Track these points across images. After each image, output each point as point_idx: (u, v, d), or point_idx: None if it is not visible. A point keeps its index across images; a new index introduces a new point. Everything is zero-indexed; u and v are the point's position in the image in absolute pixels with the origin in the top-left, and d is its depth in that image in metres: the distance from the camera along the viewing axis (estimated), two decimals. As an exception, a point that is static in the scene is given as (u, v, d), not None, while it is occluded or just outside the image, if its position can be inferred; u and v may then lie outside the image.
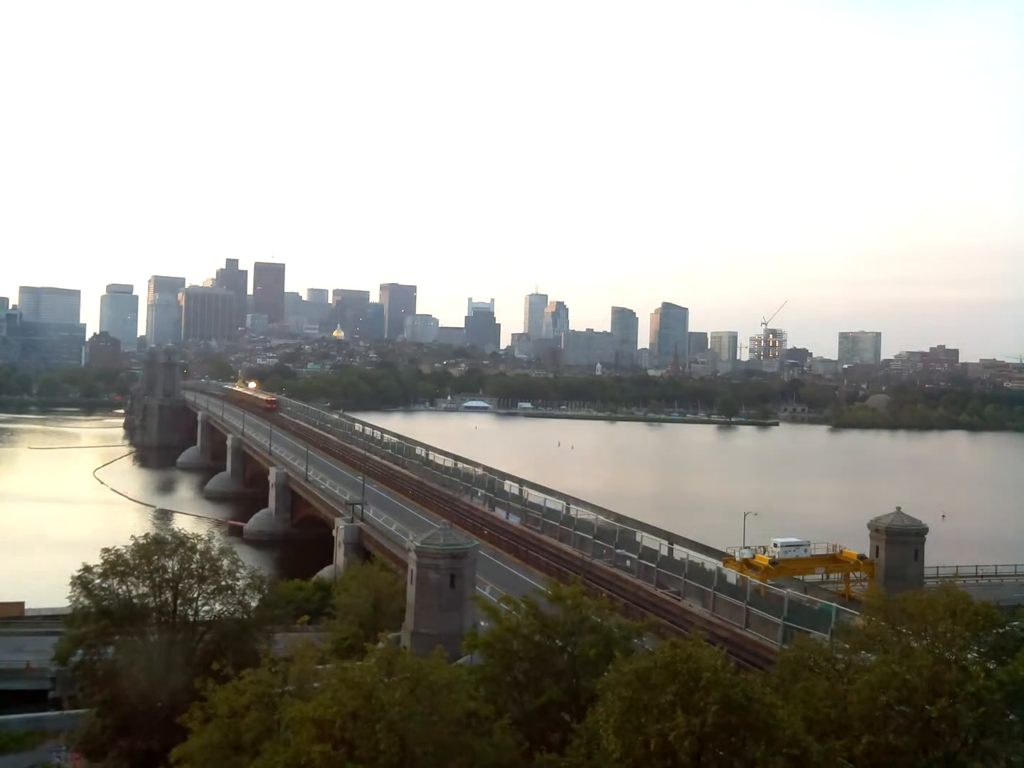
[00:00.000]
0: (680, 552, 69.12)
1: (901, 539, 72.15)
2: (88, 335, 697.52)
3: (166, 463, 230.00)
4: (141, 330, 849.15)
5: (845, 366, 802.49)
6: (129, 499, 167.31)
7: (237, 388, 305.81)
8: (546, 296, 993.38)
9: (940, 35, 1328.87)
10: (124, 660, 47.48)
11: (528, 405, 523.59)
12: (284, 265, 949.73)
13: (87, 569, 49.93)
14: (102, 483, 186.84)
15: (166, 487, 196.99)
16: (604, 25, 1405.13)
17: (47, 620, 75.61)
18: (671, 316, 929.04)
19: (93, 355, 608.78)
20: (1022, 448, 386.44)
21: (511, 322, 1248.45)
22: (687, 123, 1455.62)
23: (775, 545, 71.94)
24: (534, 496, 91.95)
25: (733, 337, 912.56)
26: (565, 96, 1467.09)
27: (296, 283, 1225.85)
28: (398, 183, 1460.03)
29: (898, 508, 74.44)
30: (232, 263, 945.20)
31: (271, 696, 33.82)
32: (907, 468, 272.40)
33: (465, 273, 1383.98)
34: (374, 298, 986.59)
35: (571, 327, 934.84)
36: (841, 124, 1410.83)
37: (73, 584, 49.80)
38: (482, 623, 50.87)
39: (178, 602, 49.50)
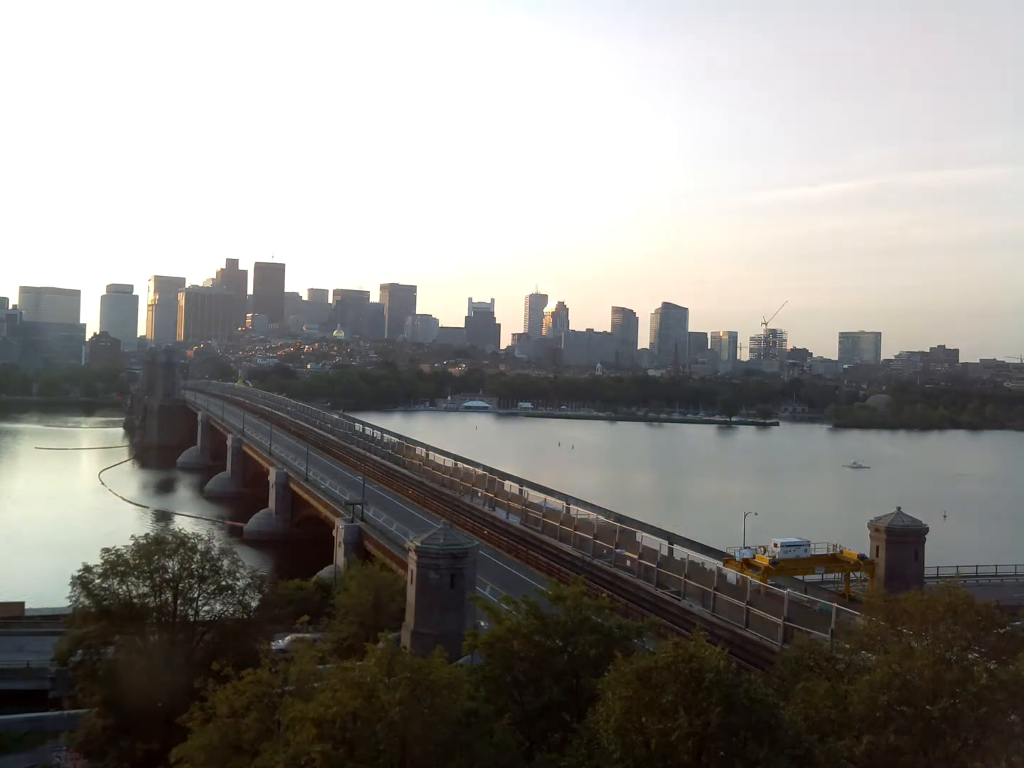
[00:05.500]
0: (680, 552, 68.97)
1: (901, 539, 71.99)
2: (88, 335, 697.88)
3: (166, 463, 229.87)
4: (141, 330, 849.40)
5: (845, 366, 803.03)
6: (129, 501, 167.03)
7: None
8: (546, 296, 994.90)
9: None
10: (124, 660, 47.45)
11: (528, 405, 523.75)
12: (284, 265, 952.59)
13: (87, 569, 49.87)
14: (102, 483, 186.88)
15: (166, 488, 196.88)
16: (604, 26, 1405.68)
17: (47, 620, 75.67)
18: (671, 316, 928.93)
19: (93, 355, 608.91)
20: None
21: (511, 322, 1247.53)
22: (688, 123, 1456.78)
23: (775, 545, 71.80)
24: (534, 496, 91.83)
25: (733, 337, 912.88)
26: (566, 96, 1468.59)
27: (296, 283, 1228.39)
28: (398, 183, 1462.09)
29: (898, 508, 74.29)
30: (232, 263, 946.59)
31: (271, 696, 33.78)
32: (910, 468, 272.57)
33: (465, 273, 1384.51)
34: (374, 298, 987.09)
35: (571, 327, 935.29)
36: (841, 124, 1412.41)
37: (73, 584, 49.77)
38: (482, 623, 50.82)
39: (178, 602, 49.44)
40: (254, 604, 53.14)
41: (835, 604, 51.02)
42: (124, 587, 49.28)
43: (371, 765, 28.00)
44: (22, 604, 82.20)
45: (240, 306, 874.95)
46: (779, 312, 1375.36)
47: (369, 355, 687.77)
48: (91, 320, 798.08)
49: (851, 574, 73.65)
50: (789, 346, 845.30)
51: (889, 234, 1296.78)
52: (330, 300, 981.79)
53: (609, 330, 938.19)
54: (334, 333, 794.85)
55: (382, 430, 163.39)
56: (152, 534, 54.65)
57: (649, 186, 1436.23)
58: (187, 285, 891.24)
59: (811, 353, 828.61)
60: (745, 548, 72.49)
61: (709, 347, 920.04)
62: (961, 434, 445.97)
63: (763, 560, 69.33)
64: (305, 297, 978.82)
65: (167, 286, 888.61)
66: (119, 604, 48.96)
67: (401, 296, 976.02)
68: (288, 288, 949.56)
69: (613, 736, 27.63)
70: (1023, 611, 59.59)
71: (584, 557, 72.50)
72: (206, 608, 50.36)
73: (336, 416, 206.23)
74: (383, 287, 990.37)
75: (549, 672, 38.00)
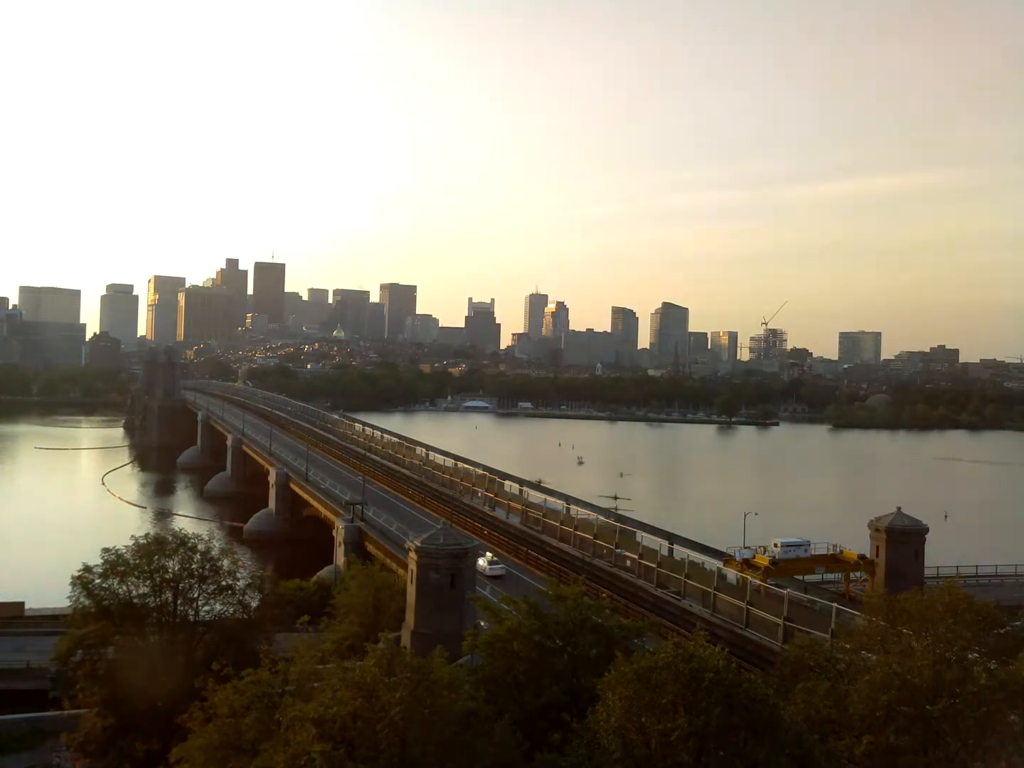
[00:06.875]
0: (680, 552, 68.94)
1: (901, 539, 71.89)
2: (88, 335, 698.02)
3: (166, 463, 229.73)
4: (141, 330, 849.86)
5: (845, 366, 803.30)
6: (128, 502, 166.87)
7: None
8: (546, 296, 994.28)
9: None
10: (124, 660, 47.43)
11: (528, 405, 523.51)
12: (284, 265, 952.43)
13: (87, 569, 49.84)
14: (102, 483, 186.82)
15: (166, 488, 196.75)
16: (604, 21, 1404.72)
17: (47, 620, 75.59)
18: (671, 316, 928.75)
19: (93, 355, 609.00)
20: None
21: (511, 322, 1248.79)
22: (685, 120, 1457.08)
23: (775, 545, 71.79)
24: (534, 496, 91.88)
25: (733, 337, 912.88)
26: (566, 94, 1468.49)
27: (296, 283, 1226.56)
28: (397, 183, 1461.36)
29: (898, 508, 74.23)
30: (232, 263, 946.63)
31: (271, 696, 33.78)
32: (912, 468, 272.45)
33: (465, 273, 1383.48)
34: (374, 298, 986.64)
35: (571, 327, 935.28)
36: (831, 124, 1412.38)
37: (73, 584, 49.72)
38: (482, 623, 50.82)
39: (178, 602, 49.45)
40: (254, 604, 53.15)
41: (835, 604, 51.00)
42: (124, 587, 49.28)
43: (371, 765, 28.00)
44: (22, 604, 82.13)
45: (240, 306, 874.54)
46: (779, 312, 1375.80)
47: (369, 355, 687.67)
48: (91, 320, 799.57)
49: (851, 574, 73.63)
50: (789, 346, 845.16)
51: (887, 234, 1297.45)
52: (330, 300, 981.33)
53: (609, 330, 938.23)
54: (334, 333, 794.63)
55: (382, 430, 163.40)
56: (152, 534, 54.63)
57: (649, 185, 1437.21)
58: (187, 285, 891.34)
59: (811, 353, 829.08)
60: (745, 548, 72.45)
61: (709, 347, 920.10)
62: (961, 434, 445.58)
63: (763, 560, 69.30)
64: (305, 297, 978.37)
65: (167, 286, 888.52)
66: (119, 604, 48.96)
67: (401, 296, 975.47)
68: (288, 288, 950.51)
69: (613, 736, 27.65)
70: (1023, 611, 59.68)
71: (584, 557, 72.46)
72: (206, 608, 50.36)
73: (336, 416, 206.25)
74: (383, 287, 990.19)
75: (549, 672, 38.01)
